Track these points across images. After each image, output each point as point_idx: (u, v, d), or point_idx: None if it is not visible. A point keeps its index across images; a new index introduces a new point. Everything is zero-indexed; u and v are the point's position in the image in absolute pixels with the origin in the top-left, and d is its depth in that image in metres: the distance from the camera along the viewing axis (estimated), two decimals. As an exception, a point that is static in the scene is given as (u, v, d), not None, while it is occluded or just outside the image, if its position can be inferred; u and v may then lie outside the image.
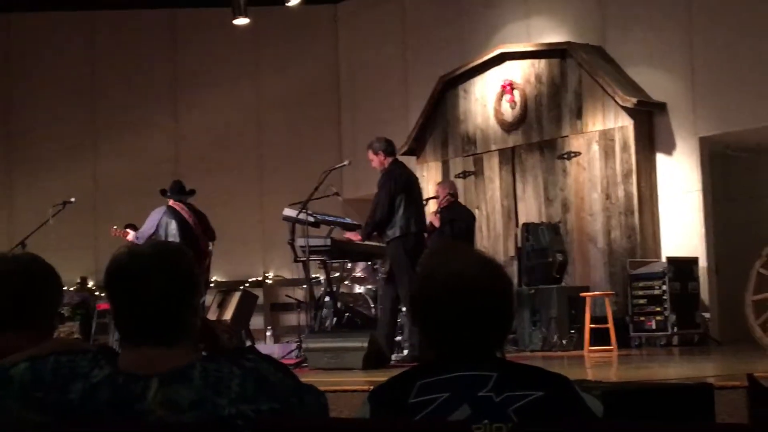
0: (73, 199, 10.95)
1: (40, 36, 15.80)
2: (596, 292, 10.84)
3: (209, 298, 13.38)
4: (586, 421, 2.09)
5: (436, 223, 10.65)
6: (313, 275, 10.23)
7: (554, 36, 12.74)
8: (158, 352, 2.25)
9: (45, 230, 10.58)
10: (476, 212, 12.05)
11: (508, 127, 12.73)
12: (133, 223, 10.86)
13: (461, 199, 11.68)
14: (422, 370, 2.26)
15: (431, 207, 11.73)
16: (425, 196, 11.53)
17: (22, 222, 12.85)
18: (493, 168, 12.87)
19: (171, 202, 10.60)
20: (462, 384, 2.17)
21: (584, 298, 10.49)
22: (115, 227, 10.96)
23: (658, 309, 10.92)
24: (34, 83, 15.75)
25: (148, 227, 10.35)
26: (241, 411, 2.14)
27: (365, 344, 8.06)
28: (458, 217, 10.73)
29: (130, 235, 10.54)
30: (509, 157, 12.71)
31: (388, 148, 9.04)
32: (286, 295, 13.51)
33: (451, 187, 11.19)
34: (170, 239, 9.87)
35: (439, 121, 13.46)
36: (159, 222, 10.34)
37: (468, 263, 2.27)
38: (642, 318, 11.04)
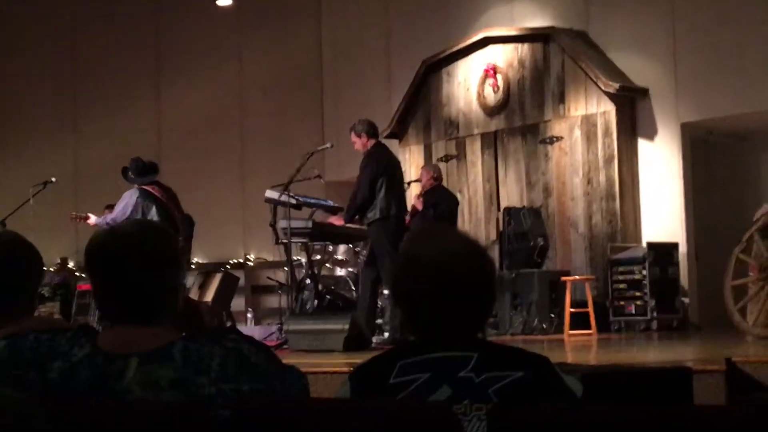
0: (53, 179, 10.83)
1: (20, 18, 15.69)
2: (577, 277, 10.89)
3: (190, 280, 13.36)
4: (565, 403, 2.10)
5: (419, 207, 10.65)
6: (295, 257, 10.22)
7: (538, 20, 12.73)
8: (138, 331, 2.24)
9: (25, 210, 10.52)
10: (458, 196, 12.06)
11: (490, 111, 12.73)
12: (112, 204, 10.75)
13: (444, 183, 11.68)
14: (403, 350, 2.27)
15: (414, 190, 11.74)
16: (407, 179, 11.56)
17: (2, 202, 12.79)
18: (475, 152, 12.88)
19: (148, 185, 9.90)
20: (442, 365, 2.17)
21: (565, 282, 10.53)
22: (73, 213, 10.59)
23: (638, 294, 10.97)
24: (15, 65, 15.66)
25: (121, 212, 9.67)
26: (222, 390, 2.14)
27: (346, 326, 8.07)
28: (441, 200, 10.74)
29: (92, 219, 10.13)
30: (491, 141, 12.72)
31: (371, 130, 9.03)
32: (268, 277, 13.50)
33: (435, 171, 11.20)
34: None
35: (421, 104, 13.45)
36: (135, 205, 9.78)
37: (450, 245, 2.27)
38: (622, 302, 11.09)
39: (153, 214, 9.76)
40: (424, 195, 10.78)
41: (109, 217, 9.92)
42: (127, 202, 9.75)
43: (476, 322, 2.28)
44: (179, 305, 2.37)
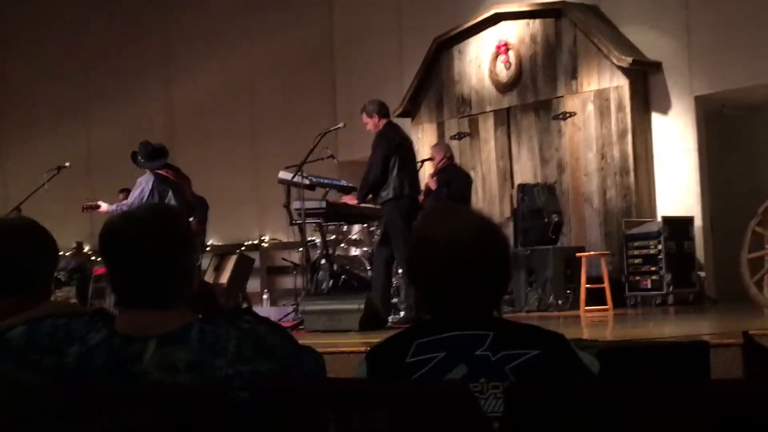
0: (67, 164, 10.82)
1: (31, 5, 15.69)
2: (592, 253, 10.86)
3: (205, 262, 13.39)
4: (582, 380, 2.09)
5: (433, 186, 10.64)
6: (309, 238, 10.22)
7: (549, -5, 12.66)
8: (154, 314, 2.25)
9: (40, 195, 10.54)
10: (472, 174, 12.03)
11: (503, 88, 12.68)
12: (128, 188, 10.75)
13: (457, 161, 11.67)
14: (419, 329, 2.27)
15: (427, 169, 11.72)
16: (420, 158, 11.54)
17: (17, 187, 12.84)
18: (488, 129, 12.84)
19: (162, 170, 9.90)
20: (459, 343, 2.17)
21: (580, 258, 10.50)
22: (84, 204, 10.36)
23: (654, 268, 10.94)
24: (26, 51, 15.68)
25: (138, 197, 9.63)
26: (239, 372, 2.15)
27: (362, 306, 8.07)
28: (454, 179, 10.72)
29: (104, 206, 9.98)
30: (504, 118, 12.68)
31: (382, 110, 9.02)
32: (283, 258, 13.52)
33: (447, 150, 11.19)
34: None
35: (433, 82, 13.42)
36: (151, 190, 9.71)
37: (464, 224, 2.27)
38: (638, 278, 11.06)
39: (170, 198, 9.75)
40: (438, 174, 10.76)
41: (125, 203, 9.85)
42: (143, 187, 9.71)
43: (491, 301, 2.28)
44: (194, 288, 2.38)
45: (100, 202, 10.12)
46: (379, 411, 1.90)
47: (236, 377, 2.14)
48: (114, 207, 9.96)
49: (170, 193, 9.77)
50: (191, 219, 10.79)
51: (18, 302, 2.64)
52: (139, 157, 9.87)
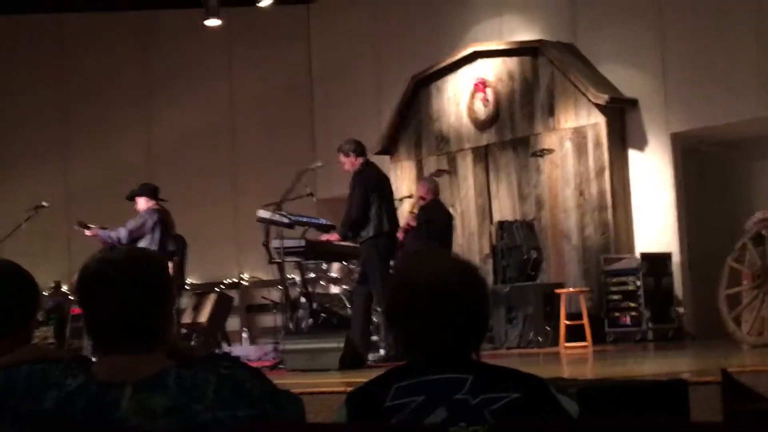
0: (45, 203, 10.80)
1: (9, 40, 15.69)
2: (571, 289, 10.89)
3: (184, 301, 13.33)
4: (560, 422, 2.09)
5: (413, 223, 10.63)
6: (289, 276, 10.21)
7: (526, 34, 12.77)
8: (132, 359, 2.24)
9: (17, 234, 10.50)
10: (451, 210, 12.04)
11: (481, 125, 12.75)
12: (106, 227, 10.70)
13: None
14: (398, 373, 2.27)
15: (406, 206, 11.74)
16: (399, 195, 11.56)
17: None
18: (467, 166, 12.89)
19: (158, 206, 10.14)
20: (438, 387, 2.17)
21: (559, 294, 10.53)
22: (79, 222, 10.39)
23: (633, 305, 10.98)
24: (4, 87, 15.64)
25: (138, 227, 9.83)
26: (218, 417, 2.14)
27: (341, 344, 8.06)
28: (435, 217, 10.62)
29: (94, 230, 10.03)
30: (483, 155, 12.74)
31: (358, 149, 9.06)
32: (262, 297, 13.49)
33: (432, 184, 11.04)
34: (153, 247, 9.62)
35: (412, 120, 13.48)
36: (154, 224, 9.84)
37: (442, 268, 2.27)
38: (617, 314, 11.09)
39: (168, 238, 9.89)
40: (419, 211, 10.69)
41: (123, 230, 9.90)
42: (146, 220, 9.84)
43: (471, 344, 2.28)
44: (172, 332, 2.37)
45: (92, 225, 10.14)
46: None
47: (215, 422, 2.13)
48: (107, 232, 9.96)
49: (158, 233, 9.88)
50: (175, 258, 10.80)
51: (0, 345, 2.61)
52: (143, 193, 10.05)
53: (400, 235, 10.72)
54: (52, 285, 14.68)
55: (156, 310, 2.29)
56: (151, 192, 10.23)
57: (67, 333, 12.88)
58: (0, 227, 11.38)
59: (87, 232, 10.14)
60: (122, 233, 9.80)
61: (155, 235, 9.79)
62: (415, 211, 10.83)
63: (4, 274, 2.76)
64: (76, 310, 12.63)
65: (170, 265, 10.38)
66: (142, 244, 9.59)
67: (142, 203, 10.12)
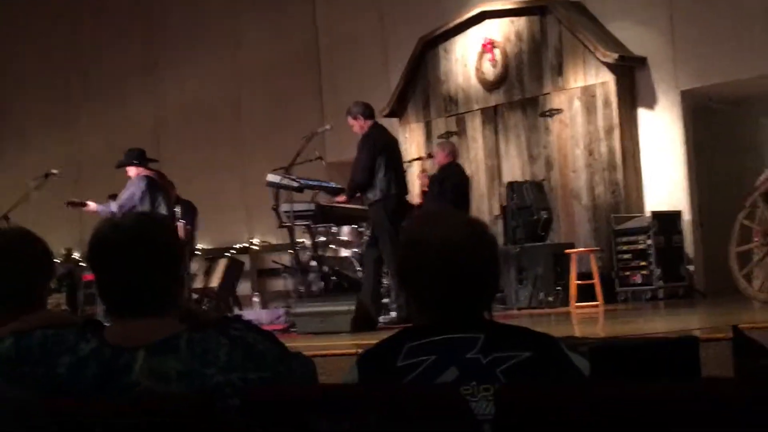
0: (55, 171, 10.78)
1: (17, 12, 15.66)
2: (581, 249, 10.88)
3: (195, 266, 13.38)
4: (572, 382, 2.10)
5: (425, 181, 10.68)
6: (299, 240, 10.22)
7: (533, -7, 12.67)
8: (144, 323, 2.25)
9: (28, 203, 10.51)
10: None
11: (489, 86, 12.69)
12: (116, 193, 10.72)
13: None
14: (410, 333, 2.27)
15: (415, 169, 11.73)
16: (408, 157, 11.54)
17: (4, 195, 12.80)
18: (475, 127, 12.85)
19: (147, 172, 9.95)
20: (449, 346, 2.17)
21: (569, 254, 10.52)
22: (68, 200, 10.32)
23: (643, 263, 10.97)
24: (12, 58, 15.64)
25: (128, 199, 9.65)
26: (229, 380, 2.15)
27: (352, 307, 8.08)
28: (448, 177, 10.57)
29: (92, 205, 9.95)
30: (491, 116, 12.70)
31: (366, 111, 9.04)
32: (273, 261, 13.52)
33: (449, 147, 10.95)
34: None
35: (420, 82, 13.42)
36: (143, 193, 9.72)
37: (451, 228, 2.27)
38: (627, 273, 11.09)
39: (159, 202, 9.75)
40: (437, 172, 10.64)
41: (114, 204, 9.84)
42: (134, 189, 9.70)
43: (481, 303, 2.28)
44: (183, 296, 2.38)
45: (88, 201, 10.08)
46: (370, 416, 1.90)
47: (227, 385, 2.14)
48: (103, 207, 9.93)
49: (160, 197, 9.78)
50: (182, 222, 10.78)
51: (13, 313, 2.63)
52: (133, 160, 9.88)
53: (418, 197, 10.77)
54: (64, 252, 14.75)
55: (166, 274, 2.30)
56: (138, 157, 9.96)
57: (80, 299, 12.95)
58: (11, 196, 11.39)
59: (86, 209, 10.04)
60: (114, 210, 9.62)
61: (145, 205, 9.62)
62: (426, 171, 10.81)
63: (18, 241, 2.78)
64: (88, 276, 12.70)
65: (180, 228, 10.39)
66: None
67: (132, 171, 9.92)
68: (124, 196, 9.76)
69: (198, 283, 13.39)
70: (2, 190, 13.81)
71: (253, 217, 15.10)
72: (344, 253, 11.34)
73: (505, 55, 12.53)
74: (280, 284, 13.84)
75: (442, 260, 2.22)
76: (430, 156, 11.50)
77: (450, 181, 10.45)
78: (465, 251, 2.23)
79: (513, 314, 10.24)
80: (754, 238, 8.96)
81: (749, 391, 1.58)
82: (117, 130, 15.18)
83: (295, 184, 9.47)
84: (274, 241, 14.67)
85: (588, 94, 11.81)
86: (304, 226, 9.87)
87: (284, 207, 9.35)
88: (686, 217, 11.34)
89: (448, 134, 12.96)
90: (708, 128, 12.16)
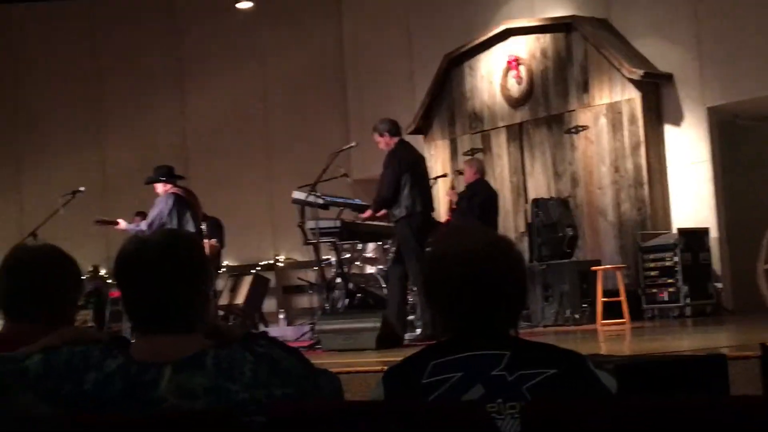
0: (82, 189, 10.84)
1: (43, 27, 15.80)
2: (607, 266, 10.83)
3: (221, 283, 13.41)
4: (598, 399, 2.09)
5: (454, 199, 10.73)
6: (324, 257, 10.23)
7: (559, 10, 12.67)
8: (170, 340, 2.25)
9: (55, 219, 10.57)
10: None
11: (514, 103, 12.69)
12: (143, 211, 10.77)
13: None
14: (435, 350, 2.27)
15: (441, 186, 11.74)
16: (434, 174, 11.54)
17: (32, 212, 12.89)
18: (500, 144, 12.84)
19: (175, 189, 9.97)
20: (475, 363, 2.17)
21: (596, 272, 10.48)
22: (99, 218, 10.45)
23: (670, 281, 10.90)
24: (39, 74, 15.78)
25: (157, 216, 9.66)
26: (255, 396, 2.15)
27: (378, 324, 8.05)
28: (476, 194, 10.65)
29: (122, 224, 10.05)
30: (517, 133, 12.68)
31: (393, 129, 9.04)
32: (298, 278, 13.53)
33: (477, 165, 11.08)
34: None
35: (445, 99, 13.43)
36: (170, 210, 9.77)
37: (478, 243, 2.27)
38: (654, 290, 11.03)
39: (188, 218, 9.78)
40: (465, 189, 10.77)
41: (143, 223, 9.91)
42: (162, 207, 9.74)
43: (508, 320, 2.28)
44: (209, 313, 2.38)
45: (119, 220, 10.16)
46: (396, 433, 1.90)
47: (253, 402, 2.14)
48: (133, 226, 10.01)
49: (187, 214, 9.81)
50: (211, 240, 10.81)
51: (43, 328, 2.64)
52: (161, 177, 9.93)
53: (446, 214, 10.81)
54: (91, 269, 14.82)
55: (193, 291, 2.30)
56: (166, 174, 10.01)
57: (106, 316, 13.00)
58: (37, 213, 11.47)
59: (116, 228, 10.12)
60: (144, 229, 9.68)
61: (173, 222, 9.68)
62: (455, 187, 10.86)
63: (48, 259, 2.80)
64: (115, 293, 12.75)
65: (206, 245, 10.43)
66: None
67: (159, 188, 9.97)
68: (152, 213, 9.81)
69: (224, 300, 13.41)
70: (33, 207, 13.92)
71: (278, 234, 15.14)
72: (369, 270, 11.35)
73: (530, 72, 12.53)
74: (305, 301, 13.85)
75: (467, 275, 2.22)
76: (459, 173, 11.57)
77: (478, 198, 10.53)
78: (489, 266, 2.23)
79: (539, 331, 10.20)
80: (782, 255, 8.89)
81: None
82: (143, 145, 15.26)
83: (321, 201, 9.48)
84: (299, 258, 14.69)
85: (614, 110, 11.78)
86: (329, 243, 9.87)
87: (310, 224, 9.36)
88: (713, 234, 11.28)
89: (473, 151, 12.96)
90: (735, 145, 12.09)
